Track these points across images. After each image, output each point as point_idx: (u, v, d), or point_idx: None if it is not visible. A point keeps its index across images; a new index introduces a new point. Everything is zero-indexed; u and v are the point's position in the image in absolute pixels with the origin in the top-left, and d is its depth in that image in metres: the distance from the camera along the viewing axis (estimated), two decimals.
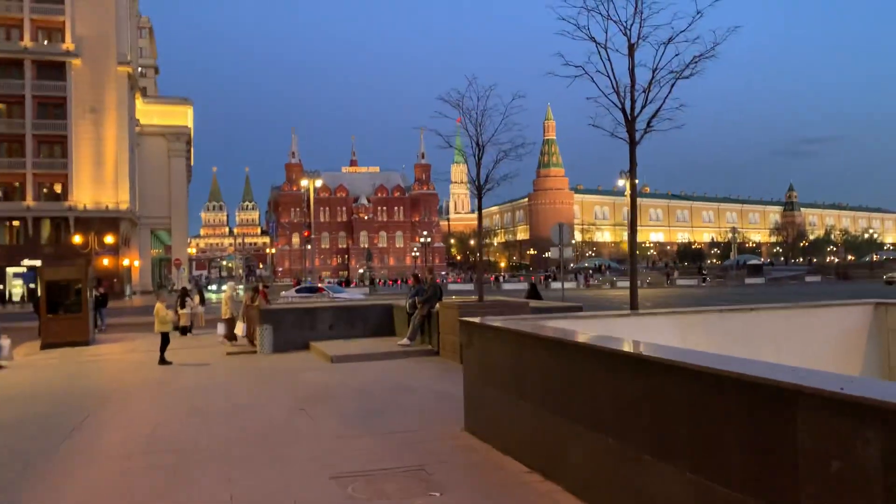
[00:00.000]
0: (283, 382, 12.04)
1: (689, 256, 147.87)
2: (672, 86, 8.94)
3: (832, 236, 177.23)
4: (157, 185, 75.64)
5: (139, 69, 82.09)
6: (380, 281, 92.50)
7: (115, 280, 62.66)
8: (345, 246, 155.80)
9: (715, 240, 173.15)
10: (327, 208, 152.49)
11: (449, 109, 14.28)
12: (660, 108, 9.00)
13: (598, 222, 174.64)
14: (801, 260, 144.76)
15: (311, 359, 15.43)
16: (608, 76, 9.28)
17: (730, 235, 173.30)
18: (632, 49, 9.12)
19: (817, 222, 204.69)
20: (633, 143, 9.15)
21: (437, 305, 15.38)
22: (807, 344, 8.04)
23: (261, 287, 21.70)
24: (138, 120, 73.51)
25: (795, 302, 9.41)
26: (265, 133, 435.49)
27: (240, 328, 18.53)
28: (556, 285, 70.07)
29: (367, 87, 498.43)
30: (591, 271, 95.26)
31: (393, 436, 7.58)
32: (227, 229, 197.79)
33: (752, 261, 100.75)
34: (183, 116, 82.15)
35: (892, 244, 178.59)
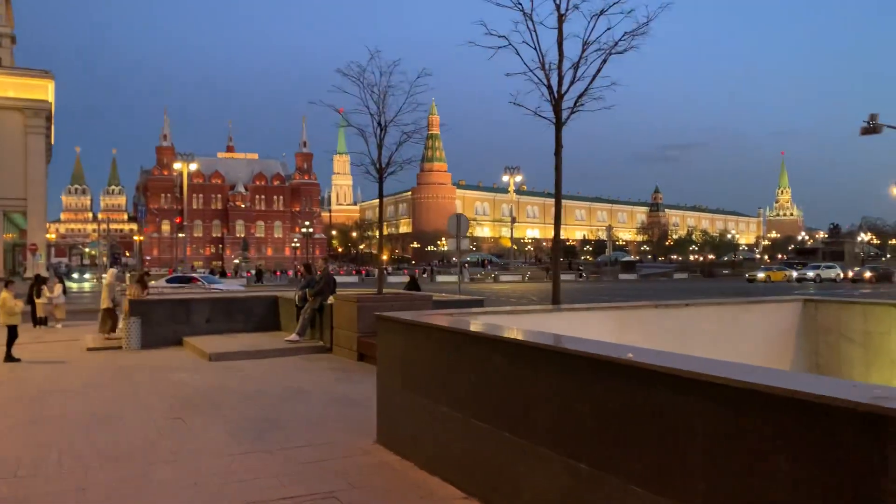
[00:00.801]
0: (154, 384, 10.46)
1: (562, 253, 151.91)
2: (604, 62, 8.21)
3: (693, 236, 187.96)
4: (11, 164, 68.81)
5: None
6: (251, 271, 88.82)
7: None
8: (219, 235, 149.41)
9: (587, 237, 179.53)
10: (201, 195, 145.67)
11: (348, 85, 13.07)
12: (589, 84, 8.25)
13: (478, 218, 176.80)
14: (666, 258, 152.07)
15: (185, 356, 13.80)
16: (534, 48, 8.46)
17: (600, 233, 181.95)
18: (561, 19, 8.32)
19: (679, 223, 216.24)
20: (559, 123, 8.37)
21: (331, 298, 14.17)
22: (740, 340, 7.54)
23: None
24: None
25: (720, 298, 8.96)
26: (134, 114, 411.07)
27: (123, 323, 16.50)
28: (440, 278, 69.81)
29: (246, 69, 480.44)
30: (466, 265, 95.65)
31: (292, 453, 6.38)
32: (90, 214, 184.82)
33: (625, 258, 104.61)
34: (43, 90, 75.28)
35: (747, 245, 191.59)
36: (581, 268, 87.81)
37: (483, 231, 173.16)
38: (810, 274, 61.40)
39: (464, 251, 22.04)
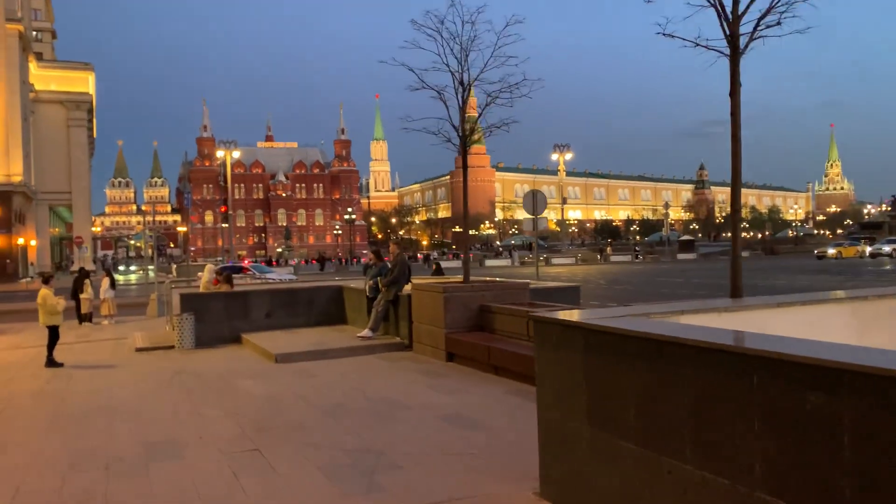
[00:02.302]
0: (217, 396, 8.79)
1: (607, 233, 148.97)
2: None
3: (742, 213, 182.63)
4: (55, 158, 68.47)
5: (34, 32, 74.54)
6: (302, 260, 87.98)
7: (7, 261, 56.58)
8: (261, 224, 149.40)
9: (630, 217, 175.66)
10: (242, 185, 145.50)
11: (423, 41, 11.16)
12: None
13: (518, 200, 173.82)
14: (715, 236, 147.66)
15: (246, 357, 12.16)
16: None
17: (645, 213, 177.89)
18: None
19: (726, 200, 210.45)
20: (735, 53, 6.34)
21: (407, 288, 12.40)
22: None
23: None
24: (32, 85, 66.44)
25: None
26: (174, 106, 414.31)
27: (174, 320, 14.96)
28: (489, 262, 67.86)
29: (284, 59, 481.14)
30: (513, 248, 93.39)
31: None
32: (134, 206, 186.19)
33: (681, 237, 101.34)
34: (83, 83, 74.91)
35: (798, 221, 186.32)
36: (637, 248, 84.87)
37: (524, 214, 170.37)
38: (886, 248, 57.77)
39: (542, 230, 20.13)
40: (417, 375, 9.64)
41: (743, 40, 6.34)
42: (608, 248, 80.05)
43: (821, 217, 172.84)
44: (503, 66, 10.90)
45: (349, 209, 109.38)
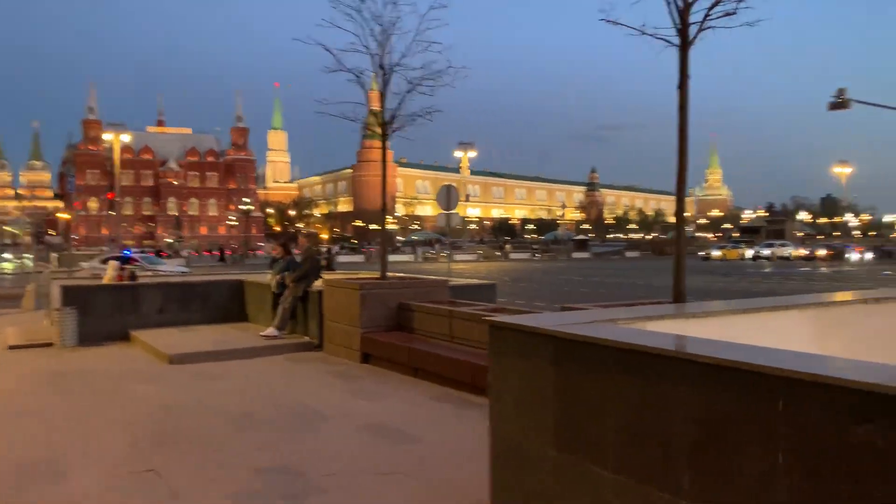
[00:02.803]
0: (103, 403, 7.77)
1: (505, 231, 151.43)
2: None
3: (628, 215, 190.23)
4: None
5: None
6: (194, 251, 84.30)
7: None
8: (150, 213, 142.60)
9: (527, 216, 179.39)
10: (131, 171, 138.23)
11: (340, 20, 10.43)
12: None
13: (419, 196, 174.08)
14: (604, 237, 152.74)
15: (137, 357, 11.05)
16: None
17: (540, 213, 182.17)
18: None
19: (615, 202, 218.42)
20: (685, 43, 6.01)
21: (317, 283, 11.64)
22: None
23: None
24: None
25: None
26: (57, 85, 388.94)
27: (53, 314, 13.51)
28: (392, 258, 67.00)
29: (180, 42, 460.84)
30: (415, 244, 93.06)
31: None
32: (12, 191, 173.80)
33: (574, 237, 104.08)
34: None
35: (672, 223, 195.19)
36: (535, 247, 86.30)
37: (425, 210, 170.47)
38: (765, 252, 61.30)
39: (456, 225, 19.70)
40: (332, 378, 8.93)
41: (693, 31, 6.04)
42: (507, 246, 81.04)
43: (703, 221, 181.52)
44: (426, 52, 10.36)
45: (245, 199, 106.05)
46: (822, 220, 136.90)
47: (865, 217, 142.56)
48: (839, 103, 39.67)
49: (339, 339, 10.46)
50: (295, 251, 13.23)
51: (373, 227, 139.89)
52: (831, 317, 4.90)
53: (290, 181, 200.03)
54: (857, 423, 2.35)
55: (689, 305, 5.20)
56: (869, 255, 60.31)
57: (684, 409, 2.96)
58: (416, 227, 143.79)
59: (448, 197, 17.58)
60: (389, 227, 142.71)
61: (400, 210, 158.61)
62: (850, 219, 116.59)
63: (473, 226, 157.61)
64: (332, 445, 5.91)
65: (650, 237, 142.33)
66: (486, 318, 4.08)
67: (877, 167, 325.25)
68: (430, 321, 9.42)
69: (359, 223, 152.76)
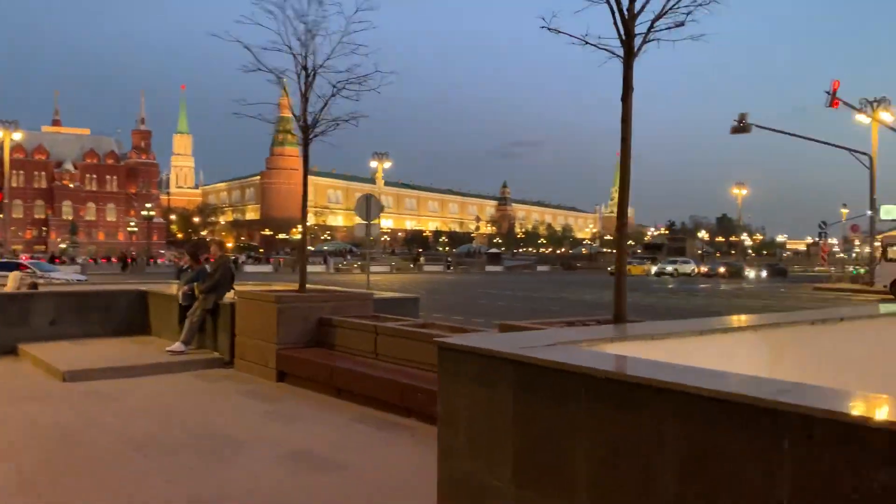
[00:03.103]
0: None
1: (417, 243, 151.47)
2: None
3: (539, 230, 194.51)
4: None
5: None
6: (90, 258, 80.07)
7: None
8: (43, 216, 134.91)
9: (439, 228, 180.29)
10: (22, 172, 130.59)
11: (262, 18, 9.87)
12: None
13: (331, 206, 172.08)
14: (513, 251, 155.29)
15: (26, 373, 10.06)
16: None
17: (452, 225, 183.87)
18: None
19: (525, 216, 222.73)
20: (629, 53, 5.83)
21: (230, 295, 10.95)
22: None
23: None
24: None
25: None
26: None
27: None
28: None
29: (80, 40, 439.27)
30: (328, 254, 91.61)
31: None
32: None
33: (491, 250, 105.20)
34: None
35: (585, 239, 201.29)
36: (449, 259, 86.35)
37: (337, 220, 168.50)
38: (669, 268, 63.57)
39: (376, 237, 19.17)
40: (246, 399, 8.30)
41: (638, 41, 5.87)
42: (421, 258, 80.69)
43: (609, 237, 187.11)
44: (351, 55, 9.92)
45: (147, 205, 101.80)
46: (720, 238, 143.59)
47: (758, 237, 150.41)
48: (741, 127, 41.56)
49: (252, 355, 9.81)
50: (206, 259, 12.44)
51: (281, 236, 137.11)
52: (785, 338, 4.75)
53: (195, 187, 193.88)
54: (882, 466, 2.10)
55: (642, 326, 4.96)
56: (763, 273, 63.62)
57: (671, 442, 2.66)
58: (327, 237, 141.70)
59: (368, 207, 17.10)
60: (298, 236, 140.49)
61: (311, 219, 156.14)
62: (745, 238, 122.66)
63: (386, 237, 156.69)
64: (250, 476, 5.36)
65: (559, 252, 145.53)
66: (436, 338, 3.67)
67: (767, 189, 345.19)
68: (354, 337, 8.93)
69: (267, 232, 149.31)
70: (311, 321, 9.55)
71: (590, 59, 6.24)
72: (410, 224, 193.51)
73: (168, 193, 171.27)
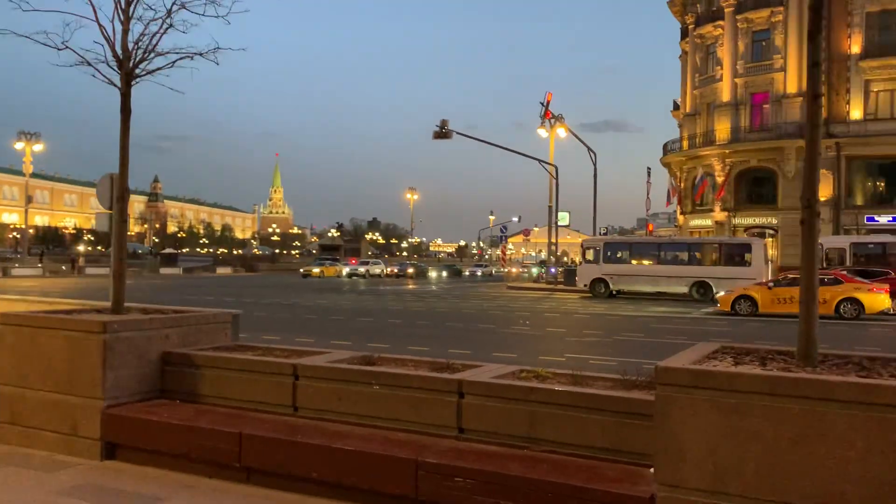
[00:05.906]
0: None
1: (53, 241, 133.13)
2: None
3: (196, 230, 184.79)
4: None
5: None
6: None
7: None
8: None
9: (79, 225, 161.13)
10: None
11: None
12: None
13: None
14: (179, 251, 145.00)
15: None
16: None
17: (92, 222, 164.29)
18: None
19: (179, 214, 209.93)
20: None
21: None
22: None
23: None
24: None
25: None
26: None
27: None
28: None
29: None
30: None
31: None
32: None
33: (167, 250, 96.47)
34: None
35: (243, 239, 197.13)
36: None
37: None
38: (361, 269, 63.96)
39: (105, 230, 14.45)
40: (55, 499, 4.78)
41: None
42: (81, 259, 69.16)
43: (275, 238, 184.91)
44: None
45: None
46: (392, 240, 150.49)
47: (416, 240, 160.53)
48: (442, 133, 42.80)
49: (41, 418, 6.03)
50: None
51: None
52: None
53: None
54: None
55: None
56: (444, 274, 67.99)
57: None
58: None
59: (112, 190, 12.77)
60: None
61: None
62: (410, 240, 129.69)
63: (15, 234, 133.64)
64: None
65: (222, 251, 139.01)
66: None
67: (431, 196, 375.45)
68: (243, 384, 5.83)
69: None
70: (151, 359, 6.15)
71: None
72: (42, 220, 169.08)
73: None
